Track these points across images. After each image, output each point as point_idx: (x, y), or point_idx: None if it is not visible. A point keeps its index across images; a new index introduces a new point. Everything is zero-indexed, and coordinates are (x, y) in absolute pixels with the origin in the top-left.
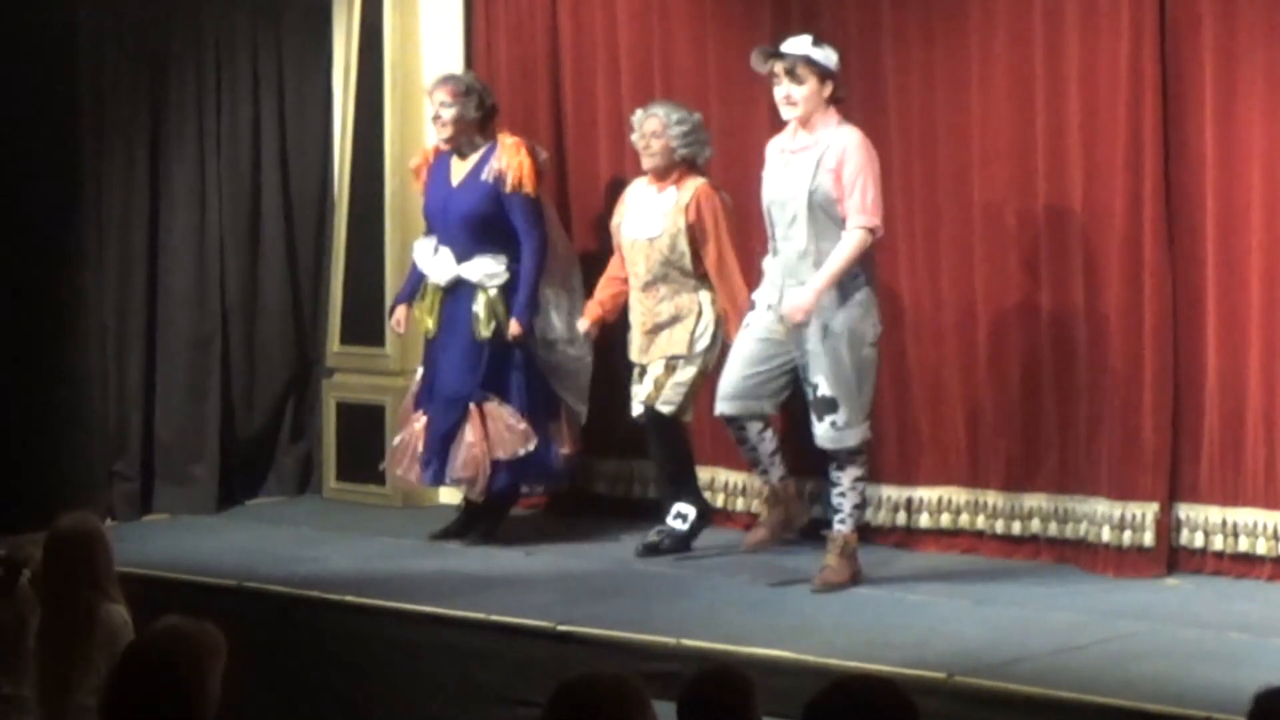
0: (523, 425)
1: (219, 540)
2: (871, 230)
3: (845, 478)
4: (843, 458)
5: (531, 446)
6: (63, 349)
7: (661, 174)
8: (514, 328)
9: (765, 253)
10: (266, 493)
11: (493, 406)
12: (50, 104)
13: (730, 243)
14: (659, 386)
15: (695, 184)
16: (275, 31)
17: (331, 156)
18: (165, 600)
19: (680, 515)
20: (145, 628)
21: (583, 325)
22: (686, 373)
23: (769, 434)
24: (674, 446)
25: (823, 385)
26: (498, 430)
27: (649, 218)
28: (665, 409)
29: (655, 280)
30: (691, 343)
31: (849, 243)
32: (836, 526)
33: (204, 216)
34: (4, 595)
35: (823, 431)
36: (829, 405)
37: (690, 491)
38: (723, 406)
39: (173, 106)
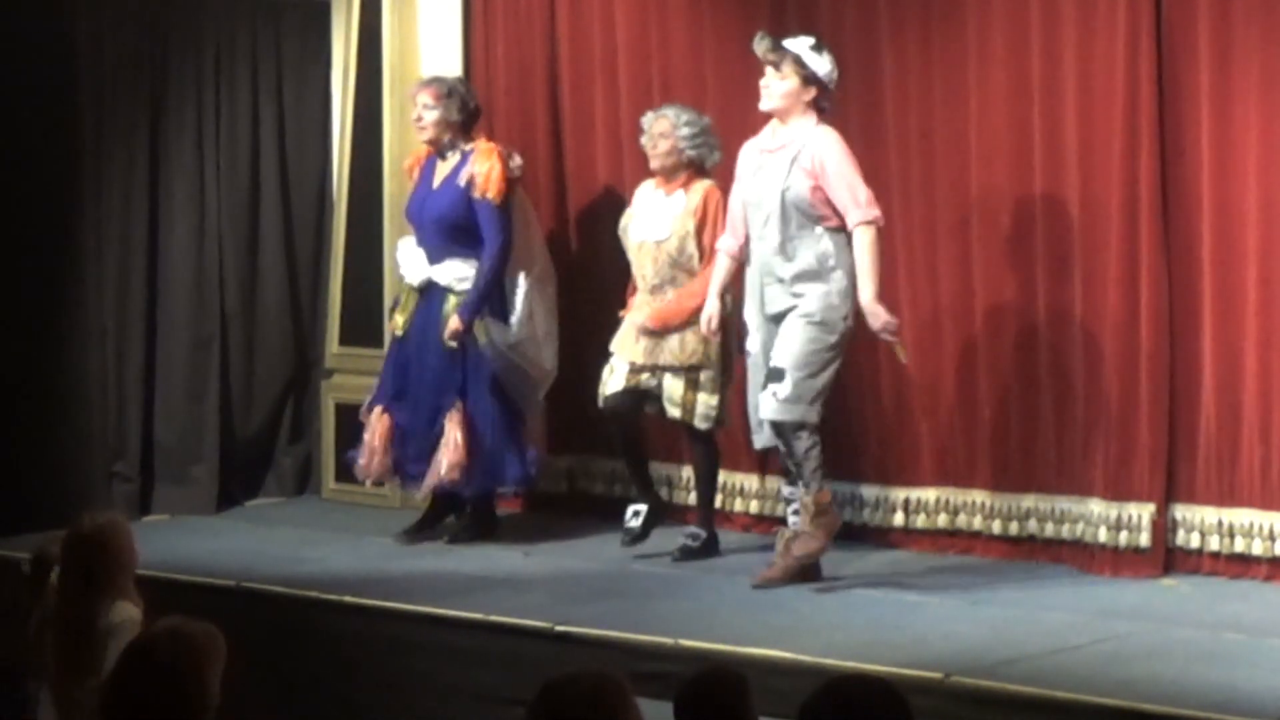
0: (466, 435)
1: (218, 541)
2: (874, 222)
3: (796, 448)
4: (786, 434)
5: (462, 455)
6: (62, 350)
7: (669, 175)
8: (453, 323)
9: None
10: (265, 493)
11: (456, 414)
12: (49, 105)
13: None
14: (688, 405)
15: (704, 186)
16: (274, 33)
17: (330, 158)
18: (165, 601)
19: (694, 535)
20: (145, 628)
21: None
22: (712, 386)
23: (815, 450)
24: (707, 462)
25: (775, 357)
26: (460, 436)
27: (657, 220)
28: (704, 425)
29: (663, 283)
30: (706, 352)
31: (862, 241)
32: (800, 490)
33: (203, 218)
34: (33, 592)
35: (764, 400)
36: (776, 375)
37: (705, 515)
38: (761, 441)
39: (172, 108)
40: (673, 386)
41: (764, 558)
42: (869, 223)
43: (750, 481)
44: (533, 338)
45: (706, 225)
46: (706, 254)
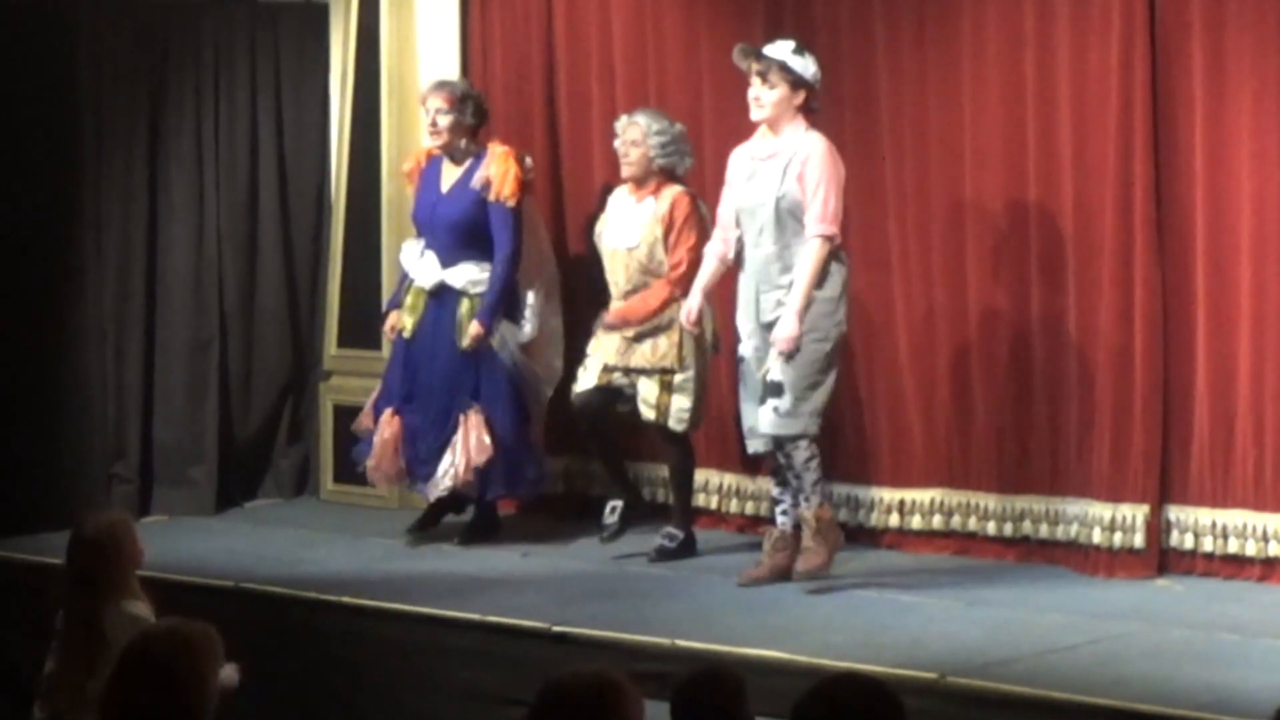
0: (488, 438)
1: (217, 542)
2: (829, 239)
3: (795, 459)
4: (785, 446)
5: (486, 457)
6: (62, 352)
7: (639, 182)
8: (474, 328)
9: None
10: (264, 494)
11: (475, 415)
12: (49, 108)
13: (700, 252)
14: (662, 407)
15: (673, 192)
16: (273, 36)
17: (328, 161)
18: (163, 601)
19: (670, 535)
20: (144, 629)
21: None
22: (687, 389)
23: (815, 462)
24: (680, 464)
25: (773, 370)
26: (478, 439)
27: (628, 227)
28: (679, 427)
29: (634, 289)
30: (680, 356)
31: (810, 254)
32: (802, 507)
33: (202, 220)
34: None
35: (764, 414)
36: (775, 390)
37: (682, 514)
38: (754, 447)
39: (171, 111)
40: (647, 389)
41: (757, 558)
42: (827, 238)
43: (744, 483)
44: (544, 340)
45: (673, 231)
46: (677, 260)
